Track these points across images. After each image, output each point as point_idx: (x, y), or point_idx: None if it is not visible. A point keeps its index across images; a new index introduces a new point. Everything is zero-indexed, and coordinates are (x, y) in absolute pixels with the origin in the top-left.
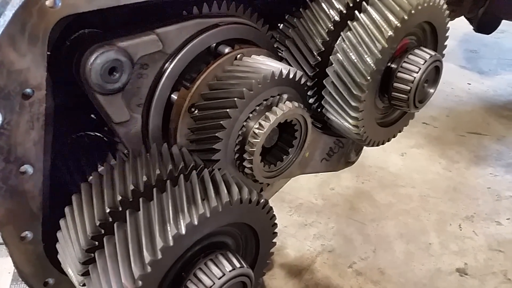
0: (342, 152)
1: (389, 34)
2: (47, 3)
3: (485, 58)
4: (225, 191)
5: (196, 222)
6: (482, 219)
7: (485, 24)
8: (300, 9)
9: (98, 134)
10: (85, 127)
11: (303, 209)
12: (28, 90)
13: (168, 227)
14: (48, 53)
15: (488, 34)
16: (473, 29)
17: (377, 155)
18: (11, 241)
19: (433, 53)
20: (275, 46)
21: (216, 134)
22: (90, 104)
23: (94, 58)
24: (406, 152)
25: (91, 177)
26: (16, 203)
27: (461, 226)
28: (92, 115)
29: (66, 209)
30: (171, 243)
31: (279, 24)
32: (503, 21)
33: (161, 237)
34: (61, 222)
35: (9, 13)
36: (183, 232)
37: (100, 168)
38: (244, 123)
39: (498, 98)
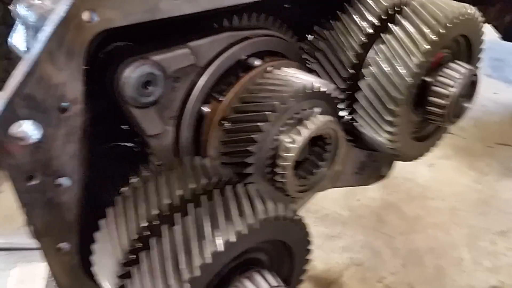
0: (374, 166)
1: (425, 47)
2: (84, 18)
3: (511, 66)
4: (261, 207)
5: (233, 239)
6: None
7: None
8: (331, 21)
9: (130, 145)
10: (116, 138)
11: (328, 220)
12: (65, 104)
13: (206, 244)
14: (85, 67)
15: None
16: (499, 37)
17: (404, 166)
18: (49, 252)
19: (469, 67)
20: (304, 57)
21: (248, 148)
22: (121, 115)
23: (129, 72)
24: (433, 163)
25: (124, 189)
26: (53, 215)
27: (493, 241)
28: (123, 126)
29: (101, 222)
30: (210, 260)
31: (308, 36)
32: None
33: (199, 254)
34: (96, 235)
35: (48, 28)
36: (222, 249)
37: (133, 180)
38: (276, 137)
39: None
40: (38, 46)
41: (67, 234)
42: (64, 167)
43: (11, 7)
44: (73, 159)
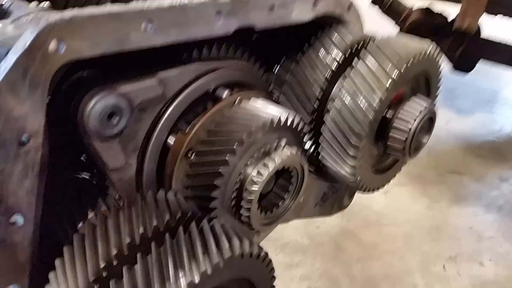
0: (336, 197)
1: (387, 84)
2: (50, 48)
3: (462, 97)
4: (226, 244)
5: (197, 281)
6: (465, 259)
7: (463, 63)
8: (298, 54)
9: (89, 178)
10: (74, 170)
11: (288, 248)
12: (25, 138)
13: (168, 287)
14: (49, 97)
15: (466, 72)
16: (452, 67)
17: (361, 193)
18: None
19: (428, 102)
20: (271, 89)
21: (214, 182)
22: (80, 145)
23: (93, 103)
24: (389, 190)
25: (82, 226)
26: (3, 255)
27: (445, 266)
28: (83, 158)
29: (57, 262)
30: None
31: (275, 67)
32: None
33: None
34: (51, 276)
35: (11, 57)
36: None
37: (91, 215)
38: (242, 170)
39: (475, 137)
40: None
41: (17, 276)
42: (19, 204)
43: None
44: (29, 196)
